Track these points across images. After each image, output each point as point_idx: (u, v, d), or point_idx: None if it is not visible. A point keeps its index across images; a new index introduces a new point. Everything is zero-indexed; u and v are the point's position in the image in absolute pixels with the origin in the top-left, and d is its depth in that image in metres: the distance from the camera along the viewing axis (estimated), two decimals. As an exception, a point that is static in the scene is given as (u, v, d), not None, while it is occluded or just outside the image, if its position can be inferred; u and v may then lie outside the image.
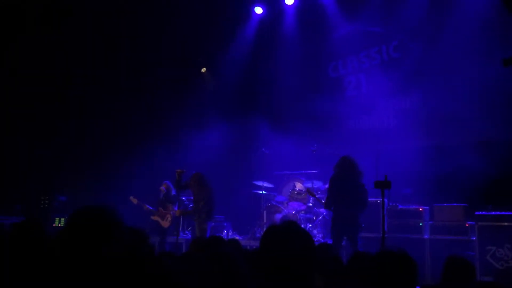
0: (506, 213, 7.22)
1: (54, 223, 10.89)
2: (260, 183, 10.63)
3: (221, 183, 10.86)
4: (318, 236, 9.49)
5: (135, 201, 9.75)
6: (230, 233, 10.38)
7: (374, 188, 6.33)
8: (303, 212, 10.01)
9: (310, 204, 9.98)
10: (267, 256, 1.98)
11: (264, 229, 10.01)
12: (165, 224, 9.52)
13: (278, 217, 9.94)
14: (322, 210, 10.00)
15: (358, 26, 11.01)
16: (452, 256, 3.86)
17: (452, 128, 9.39)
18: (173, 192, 9.72)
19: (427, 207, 8.27)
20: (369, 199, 8.42)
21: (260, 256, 2.02)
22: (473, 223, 7.51)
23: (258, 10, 11.98)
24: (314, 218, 9.84)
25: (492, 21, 8.63)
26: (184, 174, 8.68)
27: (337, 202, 7.14)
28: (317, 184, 10.33)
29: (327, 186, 9.96)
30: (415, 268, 2.66)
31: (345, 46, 11.30)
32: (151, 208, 9.75)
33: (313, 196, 8.95)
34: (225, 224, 10.74)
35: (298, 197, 10.21)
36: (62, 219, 10.77)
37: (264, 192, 10.56)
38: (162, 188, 9.75)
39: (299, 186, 10.61)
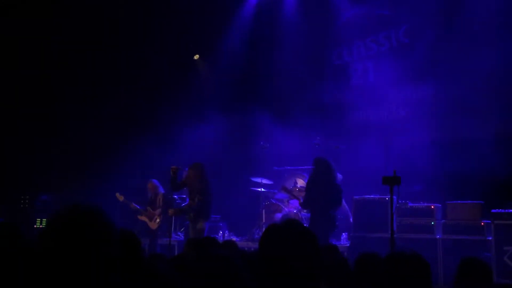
0: (525, 211, 7.24)
1: (36, 224, 10.88)
2: (258, 180, 10.61)
3: (216, 180, 10.86)
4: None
5: (121, 198, 9.72)
6: (226, 234, 10.38)
7: (382, 185, 6.35)
8: (305, 211, 10.00)
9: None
10: (268, 259, 1.97)
11: (264, 229, 10.00)
12: (153, 225, 9.50)
13: (278, 216, 9.93)
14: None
15: (364, 9, 10.99)
16: (467, 258, 3.85)
17: (467, 120, 9.38)
18: (161, 190, 9.72)
19: (439, 205, 8.28)
20: (376, 196, 8.49)
21: (260, 258, 2.00)
22: (489, 221, 7.52)
23: (256, -8, 11.94)
24: (317, 217, 9.82)
25: (509, 7, 8.61)
26: (179, 171, 8.67)
27: (315, 203, 7.77)
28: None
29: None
30: (429, 271, 2.66)
31: (350, 30, 11.27)
32: (138, 207, 9.73)
33: (289, 193, 8.95)
34: (220, 224, 10.74)
35: (300, 195, 10.19)
36: (44, 220, 10.76)
37: (263, 189, 10.55)
38: (151, 185, 9.75)
39: (300, 182, 10.59)
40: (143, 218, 9.63)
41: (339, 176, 9.93)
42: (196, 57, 12.87)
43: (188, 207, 8.44)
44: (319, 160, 7.95)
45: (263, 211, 10.30)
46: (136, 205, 9.70)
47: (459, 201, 8.03)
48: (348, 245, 8.78)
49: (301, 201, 8.29)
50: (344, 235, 9.34)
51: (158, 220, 9.49)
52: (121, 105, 11.89)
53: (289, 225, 2.05)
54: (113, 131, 11.77)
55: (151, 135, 11.61)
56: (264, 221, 10.17)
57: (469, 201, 8.00)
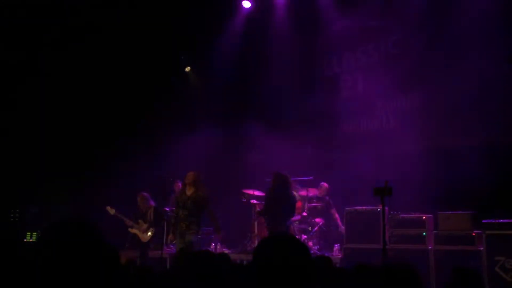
0: (516, 220, 7.28)
1: (26, 238, 10.78)
2: (250, 191, 10.61)
3: (208, 191, 10.84)
4: (314, 248, 9.50)
5: (112, 211, 9.60)
6: (218, 247, 10.34)
7: (374, 196, 6.37)
8: (297, 222, 10.01)
9: (305, 214, 9.99)
10: (261, 272, 1.98)
11: (256, 241, 10.05)
12: (145, 238, 9.40)
13: (270, 228, 9.92)
14: (318, 220, 10.02)
15: (353, 21, 11.08)
16: (459, 268, 3.88)
17: (457, 129, 9.46)
18: (151, 203, 9.68)
19: (431, 215, 8.31)
20: (368, 207, 8.52)
21: (254, 271, 2.02)
22: (481, 231, 7.55)
23: (246, 4, 12.00)
24: (310, 228, 9.86)
25: (496, 16, 8.72)
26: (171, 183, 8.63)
27: (270, 215, 8.33)
28: (312, 192, 10.36)
29: (316, 194, 10.07)
30: (420, 281, 2.68)
31: (340, 42, 11.36)
32: (129, 220, 9.64)
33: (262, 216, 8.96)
34: (212, 236, 10.70)
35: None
36: (34, 233, 10.66)
37: (255, 201, 10.55)
38: (139, 200, 9.69)
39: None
40: (134, 231, 9.54)
41: (324, 185, 10.03)
42: (188, 69, 12.91)
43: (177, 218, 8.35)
44: (276, 175, 8.50)
45: (255, 223, 10.28)
46: (127, 218, 9.60)
47: (450, 211, 8.05)
48: (340, 256, 8.79)
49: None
50: (336, 246, 9.35)
51: (150, 233, 9.41)
52: (110, 117, 11.86)
53: (282, 238, 2.08)
54: (103, 143, 11.73)
55: (141, 147, 11.60)
56: (256, 233, 10.16)
57: (461, 211, 8.01)
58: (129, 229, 9.59)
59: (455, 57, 9.45)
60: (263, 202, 8.97)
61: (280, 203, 8.25)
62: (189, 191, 8.33)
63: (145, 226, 9.44)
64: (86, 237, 1.86)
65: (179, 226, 8.22)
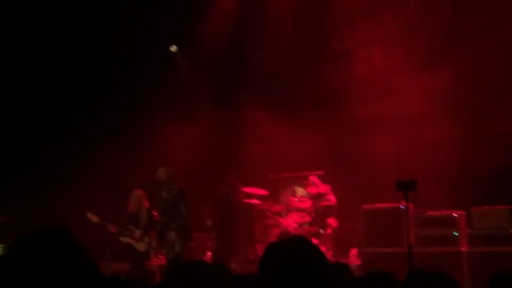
0: None
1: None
2: (251, 190, 10.62)
3: (201, 192, 10.83)
4: (326, 254, 9.53)
5: (94, 218, 9.49)
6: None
7: (396, 191, 6.38)
8: (307, 224, 10.03)
9: (316, 215, 10.01)
10: (270, 284, 1.98)
11: (257, 248, 10.08)
12: (141, 246, 9.26)
13: (275, 232, 9.94)
14: (330, 221, 10.04)
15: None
16: (499, 273, 3.88)
17: (493, 112, 9.44)
18: (145, 203, 9.61)
19: (463, 212, 8.32)
20: (390, 205, 8.52)
21: (260, 284, 2.02)
22: (522, 230, 7.60)
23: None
24: (322, 231, 9.88)
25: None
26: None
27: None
28: (324, 188, 10.37)
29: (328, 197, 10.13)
30: None
31: (352, 11, 11.31)
32: (118, 227, 9.53)
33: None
34: (208, 243, 10.72)
35: (300, 206, 10.24)
36: (1, 245, 10.66)
37: (256, 201, 10.57)
38: (134, 197, 9.53)
39: (301, 192, 10.62)
40: (127, 239, 9.41)
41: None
42: (173, 48, 12.85)
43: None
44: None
45: (257, 226, 10.30)
46: (115, 226, 9.48)
47: (486, 207, 8.07)
48: (359, 263, 8.81)
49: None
50: (353, 251, 9.38)
51: (146, 239, 9.20)
52: (84, 103, 11.82)
53: (295, 243, 2.06)
54: (77, 136, 11.70)
55: (122, 140, 11.56)
56: (258, 238, 10.18)
57: (498, 206, 8.04)
58: (121, 238, 9.47)
59: (489, 25, 9.39)
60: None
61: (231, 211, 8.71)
62: (163, 191, 8.37)
63: (138, 232, 9.33)
64: (62, 249, 1.87)
65: (163, 235, 8.31)
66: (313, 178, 10.37)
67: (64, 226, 1.88)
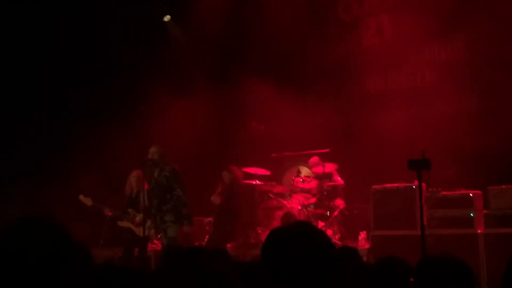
0: None
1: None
2: (252, 170, 10.61)
3: (199, 173, 10.82)
4: (334, 237, 9.54)
5: (88, 201, 9.42)
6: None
7: (408, 170, 6.33)
8: (312, 206, 10.03)
9: (322, 196, 10.00)
10: (273, 271, 1.95)
11: (259, 232, 10.10)
12: (142, 231, 9.17)
13: (278, 215, 9.94)
14: (338, 202, 10.04)
15: None
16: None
17: (510, 83, 9.38)
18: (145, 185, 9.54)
19: (480, 192, 8.30)
20: (401, 184, 8.51)
21: (263, 270, 1.99)
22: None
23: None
24: (328, 214, 9.88)
25: None
26: None
27: None
28: (330, 167, 10.35)
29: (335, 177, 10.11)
30: (473, 281, 2.66)
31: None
32: (115, 210, 9.49)
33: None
34: (207, 228, 10.73)
35: (304, 187, 10.23)
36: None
37: (258, 182, 10.56)
38: (133, 178, 9.45)
39: (305, 172, 10.61)
40: (126, 224, 9.35)
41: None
42: (167, 18, 12.73)
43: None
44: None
45: (259, 209, 10.31)
46: (111, 209, 9.43)
47: (504, 186, 8.05)
48: (368, 247, 8.81)
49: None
50: (362, 234, 9.38)
51: (148, 223, 9.12)
52: (75, 83, 11.76)
53: (299, 228, 2.04)
54: (68, 117, 11.66)
55: (117, 118, 11.52)
56: (260, 221, 10.19)
57: (517, 185, 8.03)
58: (119, 223, 9.42)
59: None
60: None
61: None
62: (155, 172, 8.34)
63: (139, 216, 9.29)
64: (50, 238, 1.85)
65: (156, 219, 8.30)
66: (314, 159, 10.35)
67: (48, 214, 1.84)
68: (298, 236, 2.02)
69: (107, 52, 11.92)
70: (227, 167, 10.23)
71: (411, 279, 3.03)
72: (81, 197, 9.36)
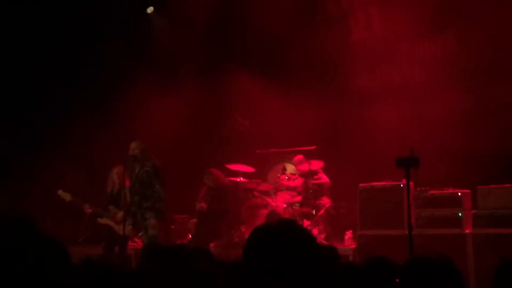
0: None
1: None
2: (236, 167, 10.62)
3: (180, 169, 10.81)
4: (319, 237, 9.58)
5: (67, 197, 9.41)
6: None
7: (396, 168, 6.40)
8: (297, 205, 10.05)
9: (308, 195, 10.04)
10: (254, 270, 1.98)
11: (243, 230, 10.10)
12: (123, 229, 9.16)
13: (263, 213, 9.96)
14: (324, 201, 10.08)
15: None
16: (508, 259, 3.89)
17: (504, 82, 9.44)
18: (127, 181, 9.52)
19: (468, 191, 8.38)
20: (389, 183, 8.56)
21: (245, 270, 2.01)
22: (532, 210, 7.67)
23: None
24: (314, 212, 9.92)
25: None
26: None
27: None
28: (316, 165, 10.39)
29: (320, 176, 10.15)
30: (461, 282, 2.71)
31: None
32: (95, 207, 9.47)
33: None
34: (189, 226, 10.74)
35: (290, 185, 10.26)
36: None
37: (242, 179, 10.57)
38: (114, 175, 9.44)
39: (291, 169, 10.64)
40: (106, 221, 9.34)
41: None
42: (150, 9, 12.69)
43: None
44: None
45: (243, 207, 10.32)
46: (92, 205, 9.40)
47: (493, 185, 8.12)
48: (354, 246, 8.88)
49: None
50: (348, 234, 9.44)
51: (129, 221, 9.08)
52: (53, 74, 11.70)
53: (283, 226, 2.05)
54: (47, 112, 11.60)
55: (98, 112, 11.48)
56: (245, 219, 10.21)
57: (506, 185, 8.08)
58: (99, 220, 9.40)
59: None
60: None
61: None
62: (136, 168, 8.35)
63: (120, 213, 9.26)
64: (23, 236, 1.87)
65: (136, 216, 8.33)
66: (299, 157, 10.38)
67: (22, 210, 1.87)
68: (281, 234, 2.02)
69: (89, 45, 11.85)
70: (207, 172, 10.30)
71: (397, 280, 3.07)
72: (60, 192, 9.34)
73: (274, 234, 2.03)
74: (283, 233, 2.03)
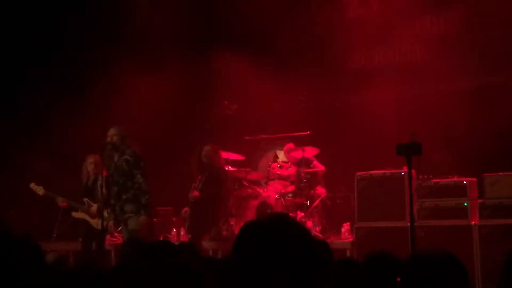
0: None
1: None
2: (224, 155, 10.58)
3: (165, 157, 10.77)
4: (314, 229, 9.57)
5: (40, 190, 9.40)
6: (181, 233, 10.38)
7: (397, 155, 6.37)
8: (290, 195, 10.03)
9: (302, 184, 10.03)
10: (245, 267, 1.96)
11: (232, 223, 10.08)
12: (98, 223, 9.08)
13: (253, 205, 9.94)
14: (319, 191, 10.06)
15: None
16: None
17: (509, 61, 9.45)
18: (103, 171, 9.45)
19: (474, 179, 8.39)
20: (388, 171, 8.55)
21: (235, 267, 2.00)
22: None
23: None
24: (308, 203, 9.90)
25: None
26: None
27: None
28: (310, 152, 10.37)
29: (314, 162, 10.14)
30: (466, 280, 2.69)
31: None
32: (69, 200, 9.44)
33: None
34: (173, 219, 10.71)
35: (282, 174, 10.24)
36: None
37: (230, 168, 10.54)
38: (89, 164, 9.39)
39: (283, 156, 10.62)
40: (81, 215, 9.33)
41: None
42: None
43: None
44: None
45: (232, 198, 10.30)
46: (65, 198, 9.37)
47: (501, 173, 8.13)
48: (352, 239, 8.87)
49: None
50: (345, 226, 9.43)
51: (105, 214, 9.00)
52: (25, 55, 11.61)
53: (276, 221, 2.02)
54: (17, 95, 11.52)
55: (73, 96, 11.41)
56: (233, 211, 10.19)
57: (515, 172, 8.12)
58: (73, 214, 9.39)
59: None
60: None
61: None
62: (115, 157, 8.33)
63: (95, 206, 9.23)
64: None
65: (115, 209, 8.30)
66: (289, 146, 10.36)
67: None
68: (274, 230, 2.00)
69: (64, 23, 11.74)
70: (204, 146, 9.96)
71: (398, 279, 3.06)
72: (33, 185, 9.34)
73: (267, 231, 2.00)
74: (276, 229, 1.99)
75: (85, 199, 9.33)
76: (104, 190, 8.72)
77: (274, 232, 1.97)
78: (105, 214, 8.79)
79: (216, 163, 9.75)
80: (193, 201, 9.57)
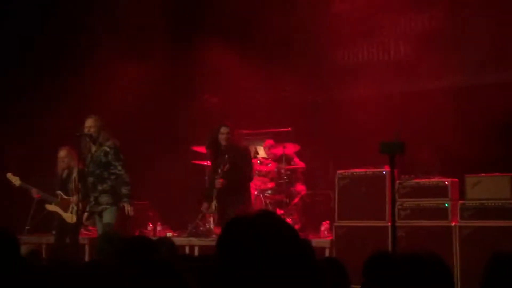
0: None
1: None
2: (203, 150, 10.54)
3: (141, 151, 10.71)
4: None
5: (16, 181, 9.35)
6: (158, 228, 10.34)
7: (380, 153, 6.37)
8: (269, 192, 10.03)
9: (281, 181, 10.03)
10: (231, 270, 1.94)
11: (210, 219, 10.05)
12: (71, 217, 9.06)
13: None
14: (299, 188, 10.07)
15: None
16: (498, 254, 3.88)
17: (498, 59, 9.49)
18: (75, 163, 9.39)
19: (456, 180, 8.43)
20: (370, 170, 8.57)
21: (219, 266, 1.98)
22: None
23: None
24: (288, 200, 9.92)
25: None
26: None
27: None
28: (291, 148, 10.38)
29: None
30: (451, 281, 2.69)
31: None
32: (43, 192, 9.39)
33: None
34: (150, 213, 10.66)
35: (262, 170, 10.22)
36: None
37: (209, 163, 10.50)
38: (62, 157, 9.33)
39: (263, 152, 10.61)
40: (54, 208, 9.29)
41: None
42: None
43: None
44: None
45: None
46: (40, 190, 9.31)
47: (483, 174, 8.18)
48: (331, 238, 8.88)
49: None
50: (324, 224, 9.45)
51: (76, 208, 8.97)
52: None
53: (263, 219, 2.00)
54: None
55: (48, 84, 11.31)
56: (213, 208, 10.14)
57: (497, 173, 8.15)
58: (47, 206, 9.36)
59: None
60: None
61: None
62: (92, 148, 8.31)
63: (68, 199, 9.19)
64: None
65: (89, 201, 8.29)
66: (269, 142, 10.34)
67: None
68: (261, 227, 1.99)
69: (45, 9, 11.63)
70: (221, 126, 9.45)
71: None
72: (9, 175, 9.30)
73: (253, 229, 1.98)
74: (264, 228, 1.98)
75: (58, 192, 9.31)
76: (77, 183, 8.68)
77: (261, 229, 1.96)
78: (80, 206, 8.75)
79: (239, 143, 9.36)
80: (221, 190, 9.05)
